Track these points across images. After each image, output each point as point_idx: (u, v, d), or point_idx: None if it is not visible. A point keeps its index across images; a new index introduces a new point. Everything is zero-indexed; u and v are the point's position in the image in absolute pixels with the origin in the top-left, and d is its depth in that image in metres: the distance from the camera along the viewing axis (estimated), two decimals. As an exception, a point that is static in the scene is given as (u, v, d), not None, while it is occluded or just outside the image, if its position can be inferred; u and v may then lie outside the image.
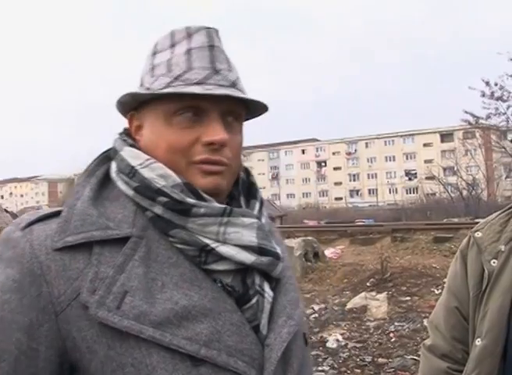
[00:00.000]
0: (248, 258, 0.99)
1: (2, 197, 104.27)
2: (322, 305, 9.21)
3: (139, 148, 1.04)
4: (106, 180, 1.04)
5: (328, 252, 12.51)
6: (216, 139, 0.98)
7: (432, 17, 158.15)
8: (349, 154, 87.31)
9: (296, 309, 1.05)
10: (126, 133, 1.08)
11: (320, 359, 6.60)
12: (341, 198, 78.21)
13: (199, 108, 1.00)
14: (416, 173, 69.18)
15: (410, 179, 74.15)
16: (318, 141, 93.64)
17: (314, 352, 6.89)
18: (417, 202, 40.84)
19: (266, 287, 1.02)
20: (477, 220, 16.25)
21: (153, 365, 0.89)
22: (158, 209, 0.97)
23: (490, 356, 1.43)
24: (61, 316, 0.91)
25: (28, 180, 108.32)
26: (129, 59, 64.44)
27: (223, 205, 1.01)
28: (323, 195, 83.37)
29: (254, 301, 0.99)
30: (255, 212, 1.06)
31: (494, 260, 1.49)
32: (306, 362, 1.09)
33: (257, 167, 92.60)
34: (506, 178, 35.85)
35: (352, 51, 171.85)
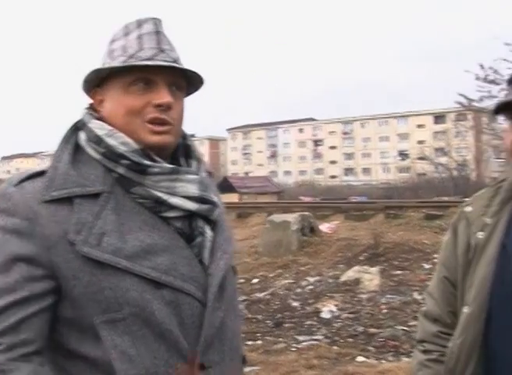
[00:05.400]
0: (193, 206, 1.26)
1: (9, 172, 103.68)
2: (317, 278, 9.21)
3: (103, 119, 1.27)
4: (77, 147, 1.26)
5: (324, 227, 12.26)
6: (164, 101, 1.24)
7: (430, 2, 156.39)
8: (345, 134, 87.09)
9: (229, 246, 1.34)
10: (91, 107, 1.32)
11: (314, 329, 6.68)
12: (336, 177, 78.36)
13: (149, 79, 1.24)
14: (409, 154, 69.14)
15: (402, 159, 74.09)
16: (315, 120, 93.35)
17: (308, 322, 6.91)
18: (409, 181, 40.97)
19: (207, 228, 1.29)
20: (466, 199, 16.20)
21: (126, 287, 1.14)
22: (121, 170, 1.21)
23: (476, 322, 1.48)
24: (52, 250, 1.14)
25: (34, 155, 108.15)
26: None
27: (172, 166, 1.26)
28: (319, 173, 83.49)
29: (198, 240, 1.26)
30: (193, 169, 1.32)
31: (481, 232, 1.54)
32: (235, 287, 1.39)
33: (256, 145, 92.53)
34: (494, 159, 35.97)
35: (349, 34, 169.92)
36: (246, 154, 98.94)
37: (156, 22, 1.30)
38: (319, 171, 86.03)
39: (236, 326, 1.34)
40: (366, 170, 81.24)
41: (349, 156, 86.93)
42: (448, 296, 1.64)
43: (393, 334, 6.22)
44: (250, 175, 68.53)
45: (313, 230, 11.67)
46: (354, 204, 17.96)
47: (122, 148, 1.23)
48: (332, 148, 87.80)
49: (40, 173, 1.23)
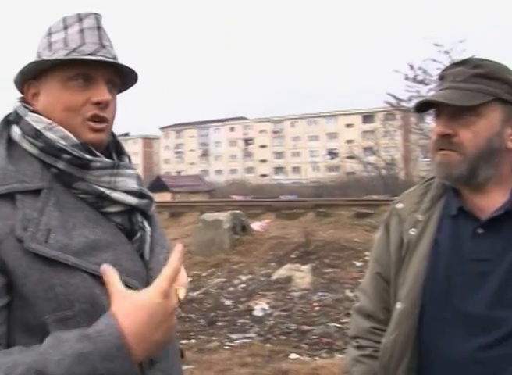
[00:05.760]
0: (133, 200, 1.26)
1: None
2: (249, 276, 9.32)
3: (38, 113, 1.23)
4: (10, 142, 1.23)
5: (255, 226, 12.39)
6: (103, 99, 1.23)
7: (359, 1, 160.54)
8: (275, 133, 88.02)
9: (165, 241, 1.36)
10: (23, 100, 1.27)
11: (247, 327, 6.75)
12: (266, 175, 79.10)
13: (89, 75, 1.22)
14: (338, 153, 70.70)
15: (332, 158, 75.54)
16: (245, 119, 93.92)
17: (241, 320, 6.99)
18: (338, 180, 41.91)
19: (146, 223, 1.30)
20: (395, 197, 16.81)
21: (77, 284, 1.12)
22: (61, 165, 1.18)
23: (408, 318, 1.51)
24: (0, 246, 1.09)
25: None
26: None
27: (112, 160, 1.26)
28: (249, 172, 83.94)
29: (138, 235, 1.26)
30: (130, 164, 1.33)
31: (413, 229, 1.56)
32: None
33: (189, 144, 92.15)
34: (422, 159, 37.36)
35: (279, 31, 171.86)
36: (178, 152, 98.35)
37: (97, 17, 1.29)
38: (250, 170, 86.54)
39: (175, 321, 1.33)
40: (296, 169, 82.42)
41: (279, 155, 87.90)
42: (381, 292, 1.65)
43: (326, 331, 6.33)
44: (183, 174, 68.37)
45: (245, 229, 11.77)
46: (285, 202, 18.18)
47: (62, 143, 1.20)
48: (263, 146, 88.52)
49: None
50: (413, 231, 1.55)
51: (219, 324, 6.89)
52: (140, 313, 1.03)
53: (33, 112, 1.24)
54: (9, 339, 1.11)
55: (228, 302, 7.90)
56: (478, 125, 1.45)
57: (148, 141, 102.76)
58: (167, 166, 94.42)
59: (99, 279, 1.12)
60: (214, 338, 6.33)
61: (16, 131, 1.23)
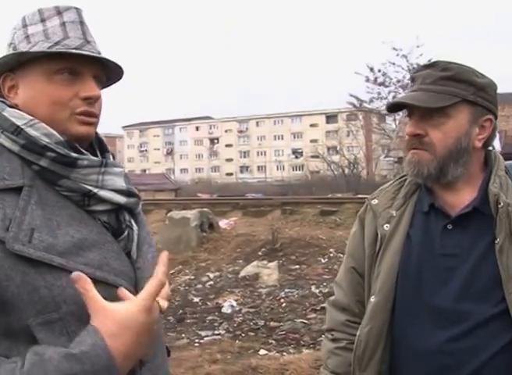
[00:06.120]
0: (121, 199, 1.22)
1: None
2: (217, 273, 9.32)
3: (16, 107, 1.17)
4: None
5: (222, 223, 12.39)
6: (94, 94, 1.20)
7: (321, 3, 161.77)
8: (240, 132, 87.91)
9: (152, 239, 1.32)
10: None
11: (216, 324, 6.76)
12: (232, 174, 78.89)
13: (75, 69, 1.18)
14: (302, 152, 71.00)
15: (296, 157, 75.87)
16: (211, 118, 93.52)
17: (210, 317, 6.98)
18: (303, 179, 42.07)
19: (133, 222, 1.26)
20: (359, 196, 17.06)
21: (63, 285, 1.06)
22: (44, 163, 1.13)
23: (382, 311, 1.54)
24: None
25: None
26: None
27: (100, 158, 1.22)
28: (215, 171, 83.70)
29: (125, 233, 1.22)
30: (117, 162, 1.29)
31: (386, 224, 1.59)
32: None
33: (153, 142, 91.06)
34: (384, 158, 37.86)
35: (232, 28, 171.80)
36: (142, 151, 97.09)
37: (78, 11, 1.24)
38: (215, 169, 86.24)
39: (160, 320, 1.32)
40: (261, 168, 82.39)
41: (244, 154, 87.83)
42: (355, 286, 1.69)
43: (293, 327, 6.40)
44: (148, 172, 67.55)
45: (212, 227, 11.74)
46: (252, 200, 18.18)
47: (45, 140, 1.14)
48: (228, 146, 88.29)
49: None
50: (387, 226, 1.59)
51: (188, 321, 6.89)
52: (127, 334, 1.00)
53: (11, 106, 1.19)
54: None
55: (196, 299, 7.89)
56: (447, 125, 1.51)
57: (111, 140, 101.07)
58: (131, 164, 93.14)
59: None
60: (183, 335, 6.31)
61: None
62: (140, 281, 1.19)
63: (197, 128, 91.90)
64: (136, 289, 1.16)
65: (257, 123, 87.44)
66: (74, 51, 1.17)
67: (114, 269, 1.15)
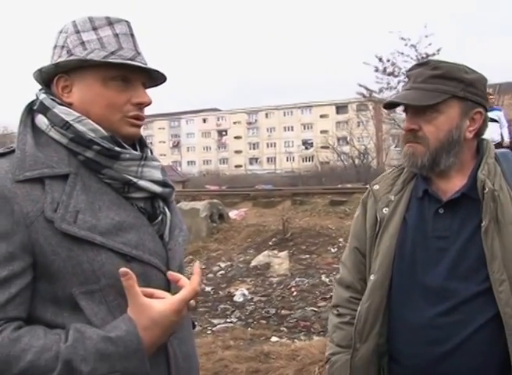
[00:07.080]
0: (158, 188, 1.38)
1: None
2: (228, 263, 9.33)
3: (70, 105, 1.31)
4: (35, 129, 1.30)
5: (233, 214, 12.44)
6: (146, 100, 1.37)
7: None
8: (249, 123, 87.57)
9: (183, 225, 1.47)
10: (46, 92, 1.35)
11: (228, 312, 6.79)
12: (241, 166, 78.44)
13: (127, 77, 1.33)
14: (312, 143, 70.41)
15: (306, 148, 75.20)
16: (219, 110, 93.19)
17: (222, 306, 6.99)
18: (313, 170, 41.92)
19: (166, 209, 1.41)
20: (368, 186, 16.87)
21: (102, 261, 1.22)
22: (89, 154, 1.28)
23: (380, 289, 1.67)
24: (31, 227, 1.18)
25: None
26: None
27: (140, 153, 1.37)
28: (223, 163, 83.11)
29: (159, 218, 1.37)
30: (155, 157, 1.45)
31: (385, 208, 1.72)
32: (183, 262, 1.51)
33: (158, 135, 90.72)
34: (394, 147, 37.65)
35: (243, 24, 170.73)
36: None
37: (129, 24, 1.38)
38: (224, 161, 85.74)
39: None
40: (271, 159, 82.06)
41: (254, 146, 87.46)
42: (358, 265, 1.82)
43: (304, 315, 6.42)
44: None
45: (222, 217, 11.72)
46: (262, 191, 18.17)
47: (91, 135, 1.29)
48: (237, 138, 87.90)
49: (2, 155, 1.27)
50: (385, 210, 1.72)
51: (200, 310, 6.95)
52: (156, 329, 1.19)
53: (61, 104, 1.32)
54: (40, 309, 1.21)
55: (208, 289, 7.91)
56: (438, 120, 1.64)
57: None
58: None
59: (124, 257, 1.25)
60: (196, 323, 6.40)
61: (42, 121, 1.31)
62: (171, 260, 1.36)
63: (205, 120, 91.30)
64: (167, 267, 1.34)
65: (266, 114, 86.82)
66: (130, 62, 1.31)
67: (148, 249, 1.30)
